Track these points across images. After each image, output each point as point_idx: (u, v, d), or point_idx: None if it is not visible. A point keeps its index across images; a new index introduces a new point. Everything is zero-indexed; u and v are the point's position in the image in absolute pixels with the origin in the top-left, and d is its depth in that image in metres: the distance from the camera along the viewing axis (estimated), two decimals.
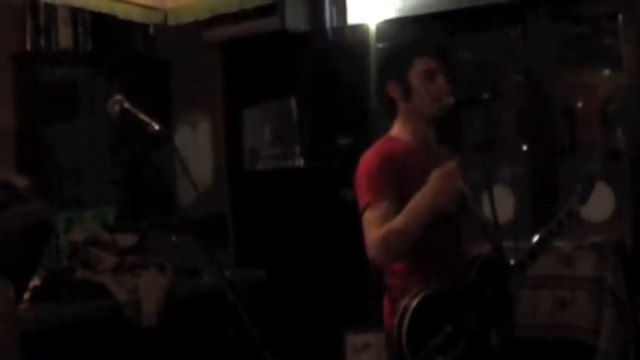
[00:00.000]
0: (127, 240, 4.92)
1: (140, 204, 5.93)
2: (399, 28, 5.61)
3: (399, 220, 3.32)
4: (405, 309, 3.34)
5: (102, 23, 5.71)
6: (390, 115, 3.65)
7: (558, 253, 4.88)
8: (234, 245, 6.20)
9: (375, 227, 3.35)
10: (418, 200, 3.31)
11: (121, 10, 5.33)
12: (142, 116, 2.96)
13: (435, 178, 3.28)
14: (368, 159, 3.51)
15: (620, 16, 5.19)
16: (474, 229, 3.58)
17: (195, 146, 6.41)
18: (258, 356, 2.74)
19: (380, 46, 5.66)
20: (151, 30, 6.15)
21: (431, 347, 3.29)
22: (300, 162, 5.94)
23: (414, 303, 3.33)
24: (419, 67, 3.51)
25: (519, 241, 3.68)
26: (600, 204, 3.90)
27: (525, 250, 3.60)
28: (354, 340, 5.05)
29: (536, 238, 3.64)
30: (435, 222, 3.45)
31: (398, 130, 3.61)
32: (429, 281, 3.40)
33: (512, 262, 3.52)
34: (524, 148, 5.80)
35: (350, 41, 5.78)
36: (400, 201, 3.40)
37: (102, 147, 5.81)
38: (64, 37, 5.65)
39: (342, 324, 5.22)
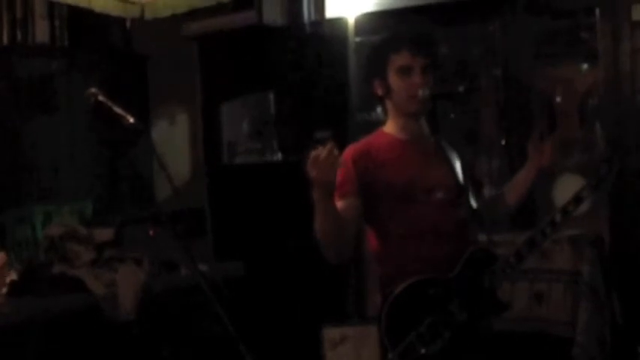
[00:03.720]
0: (104, 234, 4.91)
1: (118, 198, 5.92)
2: (378, 21, 5.60)
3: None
4: (386, 299, 3.35)
5: (78, 17, 5.70)
6: (373, 107, 3.68)
7: None
8: (212, 239, 6.19)
9: None
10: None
11: (98, 4, 5.29)
12: (117, 109, 2.96)
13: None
14: (342, 157, 3.54)
15: (597, 11, 5.20)
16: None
17: (173, 140, 6.41)
18: (234, 350, 2.74)
19: (358, 39, 5.66)
20: (128, 24, 6.14)
21: (412, 338, 3.29)
22: (278, 156, 5.93)
23: (395, 293, 3.34)
24: (395, 63, 3.52)
25: (498, 233, 3.68)
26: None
27: (524, 240, 3.59)
28: (331, 333, 5.04)
29: (537, 228, 3.63)
30: (428, 213, 3.47)
31: (389, 124, 3.65)
32: (418, 272, 3.41)
33: (503, 253, 3.54)
34: (503, 141, 5.81)
35: (328, 35, 5.77)
36: (373, 195, 3.44)
37: (79, 141, 5.78)
38: (41, 31, 5.64)
39: (320, 317, 5.22)
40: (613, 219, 5.11)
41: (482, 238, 3.55)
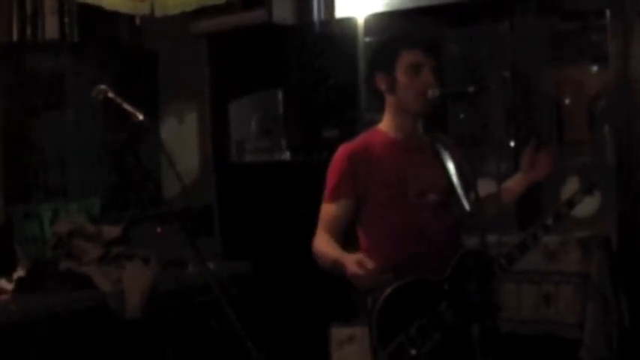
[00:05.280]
0: (112, 231, 4.91)
1: (126, 195, 5.91)
2: (387, 22, 5.61)
3: (320, 248, 3.47)
4: (377, 301, 3.35)
5: (88, 14, 5.69)
6: (378, 107, 3.67)
7: (543, 248, 4.88)
8: (220, 237, 6.19)
9: (320, 227, 3.52)
10: (332, 256, 3.40)
11: (107, 2, 5.29)
12: (126, 106, 2.95)
13: (349, 263, 3.23)
14: (338, 155, 3.57)
15: (608, 12, 5.19)
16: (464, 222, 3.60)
17: (182, 138, 6.40)
18: (241, 348, 2.74)
19: (367, 39, 5.66)
20: (137, 21, 6.13)
21: (402, 339, 3.29)
22: (286, 155, 5.93)
23: (385, 294, 3.34)
24: (405, 59, 3.51)
25: (504, 235, 3.67)
26: (586, 200, 3.87)
27: (516, 243, 3.59)
28: (338, 332, 5.04)
29: (529, 231, 3.63)
30: (420, 215, 3.47)
31: (385, 122, 3.64)
32: (408, 273, 3.40)
33: (495, 255, 3.52)
34: (512, 143, 5.80)
35: (337, 35, 5.78)
36: (367, 195, 3.49)
37: (87, 138, 5.78)
38: (51, 28, 5.63)
39: (327, 316, 5.21)
40: (621, 221, 5.10)
41: (490, 239, 3.52)
